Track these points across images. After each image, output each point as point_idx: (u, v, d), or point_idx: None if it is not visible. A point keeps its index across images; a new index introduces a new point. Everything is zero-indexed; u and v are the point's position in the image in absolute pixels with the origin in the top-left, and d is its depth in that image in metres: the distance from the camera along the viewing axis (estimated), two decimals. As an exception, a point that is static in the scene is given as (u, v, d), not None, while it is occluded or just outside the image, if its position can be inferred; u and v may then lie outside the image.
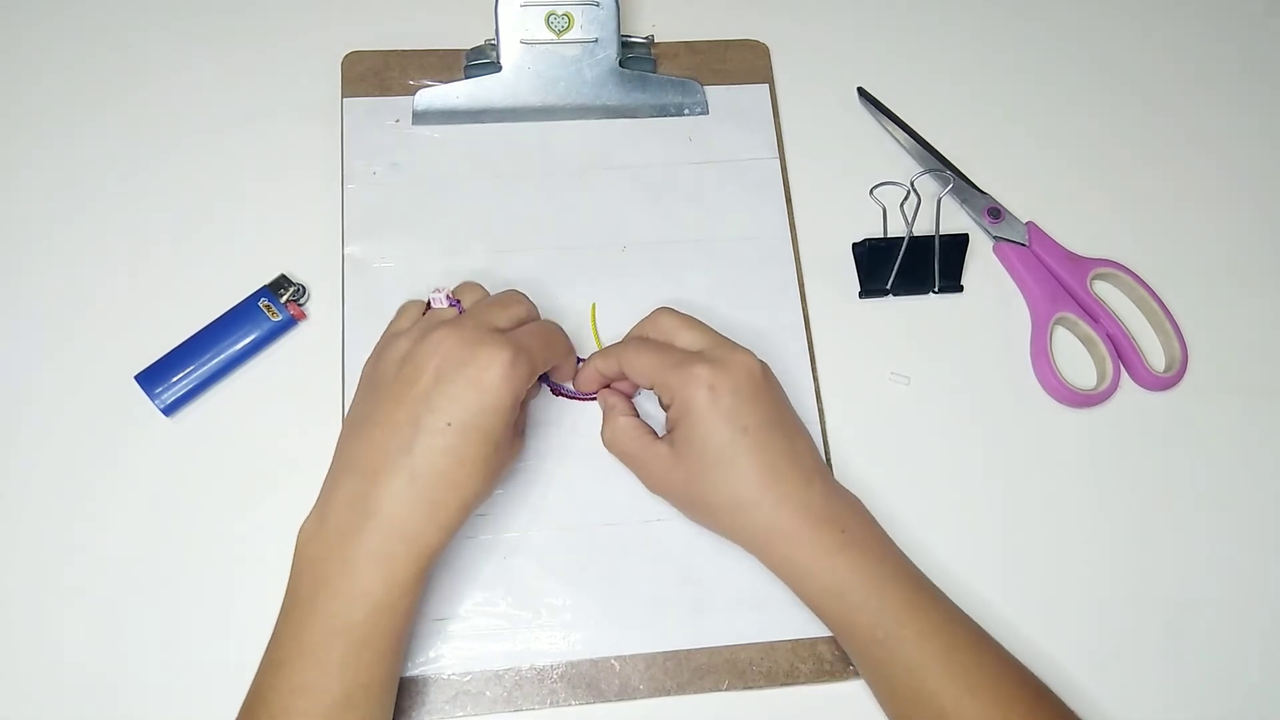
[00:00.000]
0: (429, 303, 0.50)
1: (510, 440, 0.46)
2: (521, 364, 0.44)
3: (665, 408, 0.49)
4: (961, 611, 0.47)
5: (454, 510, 0.44)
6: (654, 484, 0.50)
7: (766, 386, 0.48)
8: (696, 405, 0.46)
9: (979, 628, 0.47)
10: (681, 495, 0.49)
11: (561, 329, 0.51)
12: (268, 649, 0.43)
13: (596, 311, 0.56)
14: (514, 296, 0.50)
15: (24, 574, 0.50)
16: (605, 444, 0.52)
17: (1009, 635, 0.47)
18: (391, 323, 0.51)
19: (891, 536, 0.49)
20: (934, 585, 0.48)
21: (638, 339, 0.51)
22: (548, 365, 0.49)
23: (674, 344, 0.50)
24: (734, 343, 0.49)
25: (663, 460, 0.49)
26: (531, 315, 0.50)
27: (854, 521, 0.48)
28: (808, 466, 0.48)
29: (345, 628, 0.42)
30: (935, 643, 0.45)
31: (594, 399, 0.54)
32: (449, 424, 0.43)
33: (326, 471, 0.46)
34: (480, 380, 0.43)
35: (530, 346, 0.46)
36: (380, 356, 0.48)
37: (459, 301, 0.50)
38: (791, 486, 0.46)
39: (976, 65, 0.66)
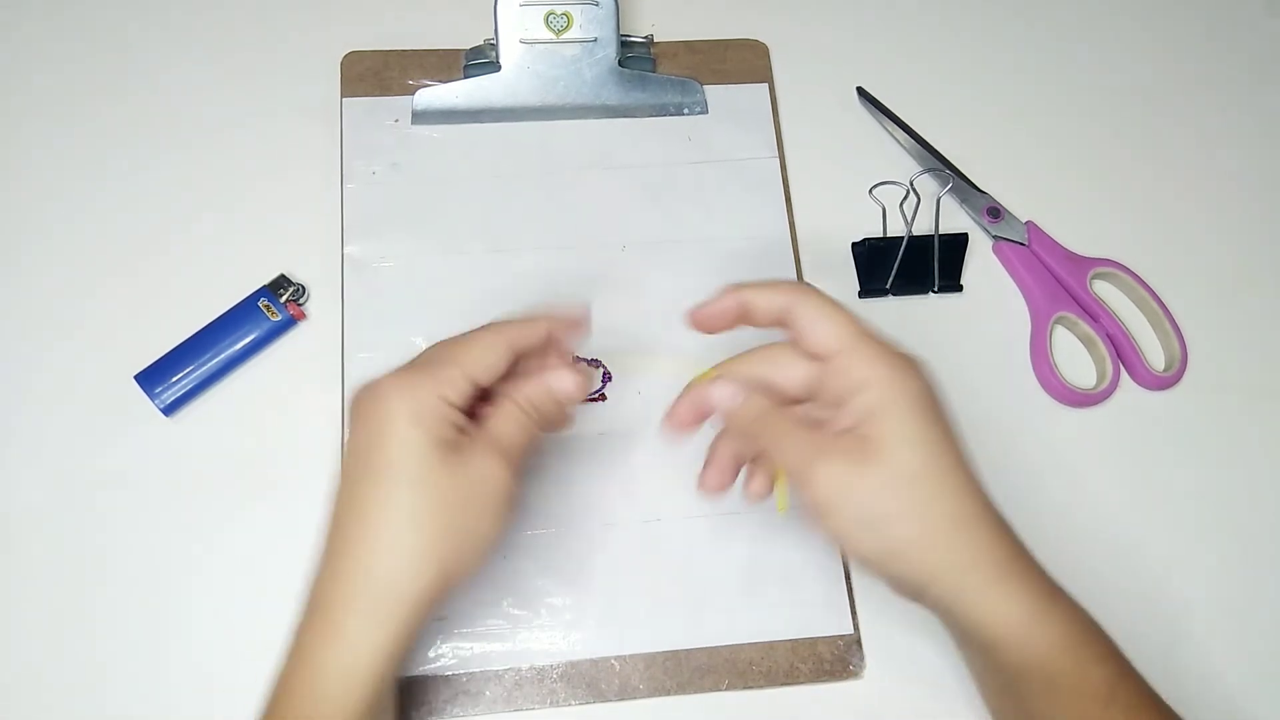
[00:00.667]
0: None
1: (451, 473, 0.38)
2: (410, 384, 0.38)
3: (834, 401, 0.39)
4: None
5: (379, 579, 0.37)
6: (827, 490, 0.38)
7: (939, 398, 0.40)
8: (916, 385, 0.38)
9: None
10: (863, 513, 0.38)
11: (488, 328, 0.42)
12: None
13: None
14: (495, 326, 0.42)
15: (24, 574, 0.50)
16: (749, 432, 0.41)
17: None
18: None
19: None
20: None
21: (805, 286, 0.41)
22: (469, 369, 0.39)
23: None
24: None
25: (844, 460, 0.38)
26: (463, 336, 0.42)
27: (1036, 564, 0.40)
28: (988, 501, 0.40)
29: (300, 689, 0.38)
30: (1152, 699, 0.39)
31: (601, 398, 0.54)
32: (348, 477, 0.38)
33: None
34: (369, 418, 0.38)
35: (432, 360, 0.39)
36: None
37: None
38: (991, 519, 0.39)
39: (976, 65, 0.66)
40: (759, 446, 0.42)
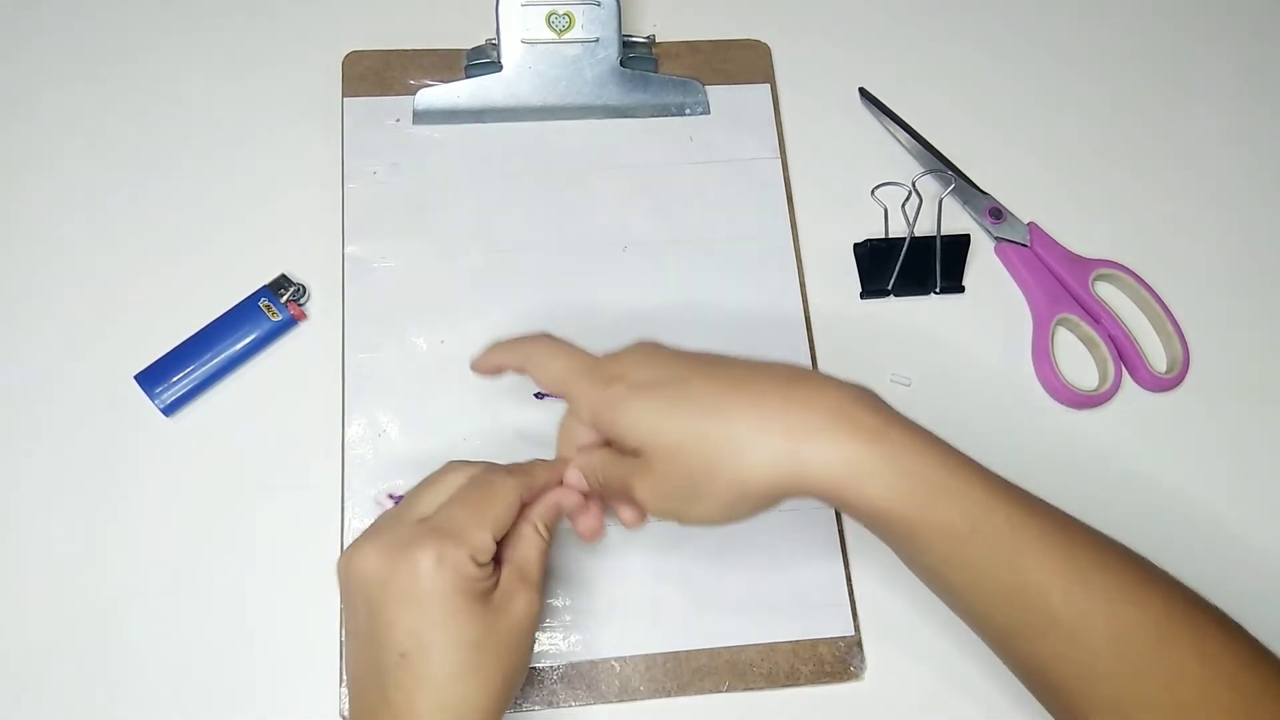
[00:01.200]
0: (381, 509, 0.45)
1: (498, 623, 0.39)
2: (449, 555, 0.38)
3: (616, 437, 0.41)
4: (1034, 494, 0.40)
5: None
6: (651, 500, 0.40)
7: (661, 349, 0.42)
8: (616, 407, 0.40)
9: (1063, 511, 0.40)
10: (684, 492, 0.39)
11: (508, 477, 0.42)
12: None
13: None
14: (446, 468, 0.43)
15: (23, 574, 0.50)
16: (601, 483, 0.43)
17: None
18: None
19: None
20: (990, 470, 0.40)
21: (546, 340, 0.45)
22: (495, 527, 0.40)
23: (576, 410, 0.43)
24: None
25: (643, 475, 0.40)
26: (469, 477, 0.42)
27: (880, 405, 0.39)
28: (788, 369, 0.40)
29: None
30: (1030, 528, 0.37)
31: None
32: (402, 655, 0.37)
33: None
34: (409, 592, 0.37)
35: (459, 524, 0.39)
36: (338, 580, 0.41)
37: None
38: (784, 391, 0.38)
39: (978, 66, 0.66)
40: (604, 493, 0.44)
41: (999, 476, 0.39)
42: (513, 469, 0.43)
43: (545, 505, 0.43)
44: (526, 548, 0.42)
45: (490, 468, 0.43)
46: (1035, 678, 0.40)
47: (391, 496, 0.46)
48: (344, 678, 0.43)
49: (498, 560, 0.41)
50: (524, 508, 0.42)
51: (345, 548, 0.42)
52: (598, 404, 0.41)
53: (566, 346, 0.44)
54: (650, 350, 0.42)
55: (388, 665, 0.38)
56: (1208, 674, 0.37)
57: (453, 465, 0.43)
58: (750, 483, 0.38)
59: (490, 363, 0.47)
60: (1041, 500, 0.40)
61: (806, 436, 0.37)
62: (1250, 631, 0.39)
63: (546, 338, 0.45)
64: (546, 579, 0.43)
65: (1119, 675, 0.37)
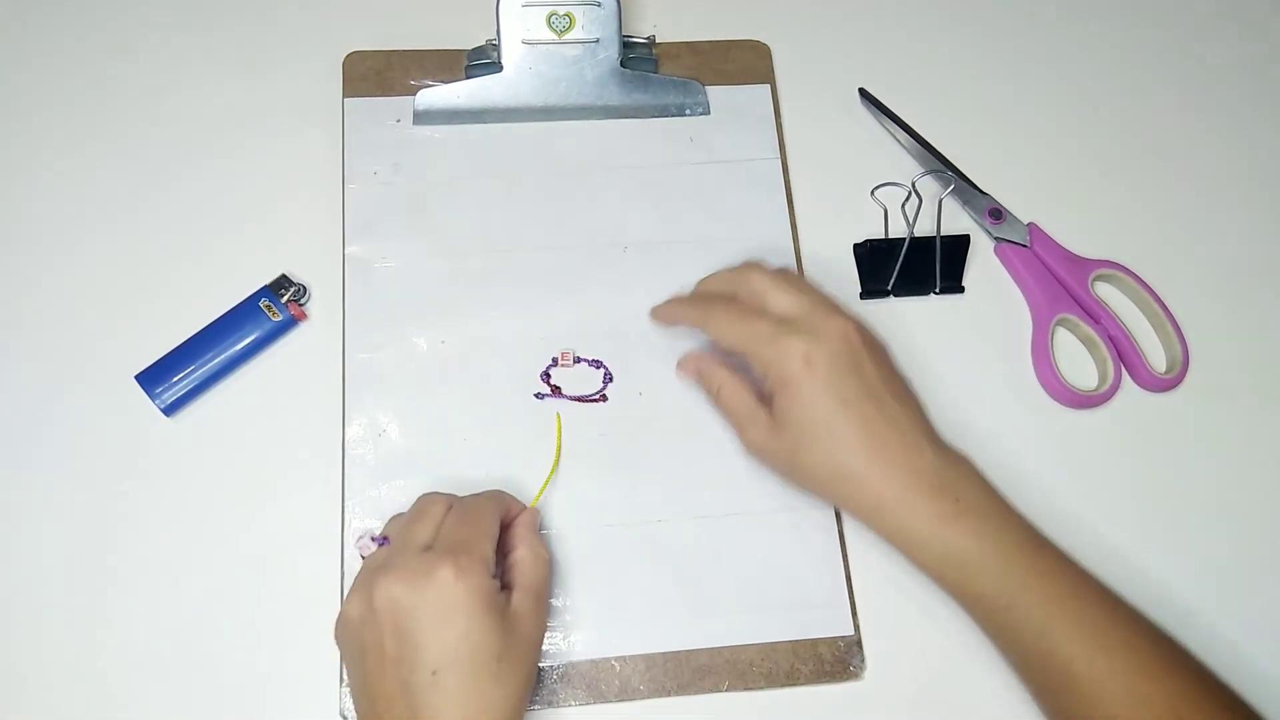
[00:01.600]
0: (360, 554, 0.46)
1: (514, 633, 0.42)
2: (465, 565, 0.41)
3: (761, 378, 0.48)
4: (1090, 574, 0.46)
5: None
6: (754, 449, 0.49)
7: (868, 353, 0.47)
8: (793, 380, 0.46)
9: (1108, 589, 0.46)
10: (783, 465, 0.49)
11: (483, 499, 0.47)
12: None
13: (562, 423, 0.53)
14: (424, 501, 0.46)
15: (23, 574, 0.50)
16: (721, 401, 0.50)
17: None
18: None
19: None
20: (1058, 549, 0.47)
21: (726, 301, 0.50)
22: (492, 540, 0.44)
23: (765, 307, 0.49)
24: (831, 304, 0.48)
25: (764, 428, 0.48)
26: (448, 505, 0.46)
27: (968, 487, 0.47)
28: (916, 433, 0.47)
29: None
30: (1065, 605, 0.44)
31: (601, 399, 0.54)
32: (434, 673, 0.40)
33: None
34: (439, 611, 0.40)
35: (463, 541, 0.43)
36: (343, 629, 0.44)
37: (386, 540, 0.46)
38: (899, 454, 0.46)
39: (978, 66, 0.66)
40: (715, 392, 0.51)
41: (1054, 557, 0.46)
42: (494, 496, 0.48)
43: (527, 525, 0.48)
44: (529, 566, 0.46)
45: (463, 496, 0.48)
46: None
47: (374, 539, 0.46)
48: (356, 706, 0.43)
49: (503, 584, 0.44)
50: (505, 532, 0.47)
51: (344, 602, 0.44)
52: (778, 369, 0.46)
53: (745, 311, 0.49)
54: (856, 350, 0.47)
55: (419, 685, 0.40)
56: None
57: (428, 497, 0.47)
58: (832, 500, 0.49)
59: (671, 316, 0.53)
60: (1089, 582, 0.46)
61: (886, 506, 0.46)
62: (1261, 714, 0.45)
63: (726, 303, 0.50)
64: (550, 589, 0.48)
65: None
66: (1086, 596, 0.45)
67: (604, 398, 0.54)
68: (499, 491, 0.49)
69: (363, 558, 0.46)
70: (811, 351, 0.46)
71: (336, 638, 0.45)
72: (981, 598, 0.45)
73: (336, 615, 0.44)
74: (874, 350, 0.48)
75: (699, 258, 0.58)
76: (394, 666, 0.41)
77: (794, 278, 0.51)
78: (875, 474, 0.46)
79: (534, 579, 0.46)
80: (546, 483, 0.52)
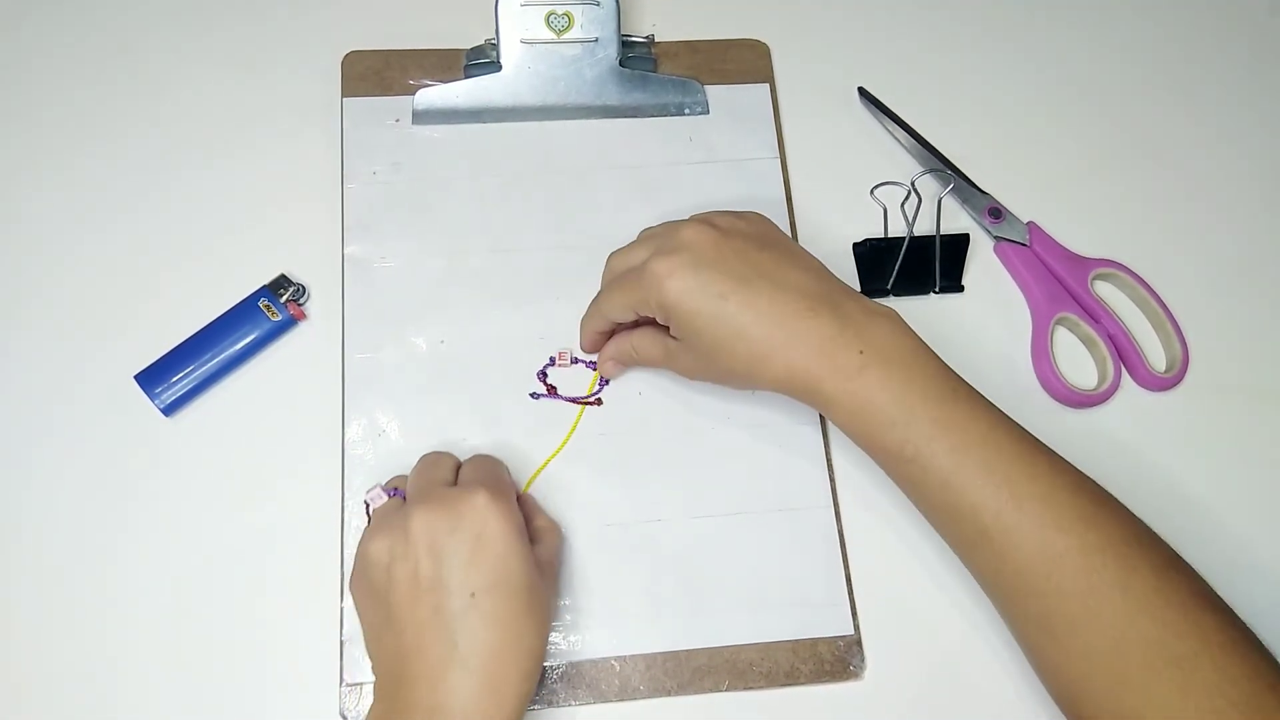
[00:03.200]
0: (367, 507, 0.47)
1: (537, 566, 0.44)
2: (497, 494, 0.43)
3: (664, 323, 0.48)
4: (1011, 423, 0.46)
5: (516, 682, 0.40)
6: (688, 374, 0.50)
7: (729, 242, 0.47)
8: (669, 298, 0.46)
9: (1031, 439, 0.45)
10: (711, 375, 0.49)
11: (490, 457, 0.50)
12: None
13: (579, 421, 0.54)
14: (431, 455, 0.49)
15: (23, 574, 0.50)
16: (637, 358, 0.52)
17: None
18: (359, 545, 0.45)
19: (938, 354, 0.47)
20: (978, 398, 0.46)
21: (606, 284, 0.52)
22: (512, 486, 0.48)
23: (629, 264, 0.49)
24: (679, 221, 0.49)
25: (681, 354, 0.49)
26: (456, 460, 0.49)
27: (877, 339, 0.46)
28: (809, 296, 0.46)
29: None
30: (972, 455, 0.43)
31: (597, 403, 0.54)
32: (473, 594, 0.40)
33: (374, 685, 0.43)
34: (478, 534, 0.41)
35: (484, 473, 0.46)
36: (365, 571, 0.44)
37: (398, 490, 0.47)
38: (795, 322, 0.45)
39: (977, 65, 0.66)
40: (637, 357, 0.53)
41: (968, 406, 0.45)
42: (489, 457, 0.50)
43: (533, 502, 0.51)
44: (547, 536, 0.49)
45: (474, 457, 0.50)
46: (980, 582, 0.46)
47: (385, 490, 0.47)
48: (376, 654, 0.44)
49: None
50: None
51: (363, 545, 0.44)
52: (655, 300, 0.47)
53: (614, 277, 0.51)
54: (716, 243, 0.47)
55: (456, 609, 0.40)
56: (1129, 607, 0.41)
57: (434, 453, 0.49)
58: (763, 387, 0.47)
59: (586, 340, 0.54)
60: (1009, 433, 0.45)
61: (796, 372, 0.46)
62: (1201, 578, 0.43)
63: (604, 286, 0.52)
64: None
65: (1045, 594, 0.42)
66: (997, 447, 0.44)
67: (598, 401, 0.54)
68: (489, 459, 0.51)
69: (369, 514, 0.47)
70: (672, 266, 0.46)
71: (353, 586, 0.45)
72: (886, 449, 0.45)
73: (353, 567, 0.45)
74: (737, 236, 0.48)
75: (698, 257, 0.58)
76: (429, 594, 0.41)
77: (641, 234, 0.52)
78: (779, 343, 0.45)
79: (550, 547, 0.48)
80: (539, 471, 0.53)
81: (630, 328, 0.52)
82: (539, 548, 0.46)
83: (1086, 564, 0.41)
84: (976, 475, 0.43)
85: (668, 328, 0.49)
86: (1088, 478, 0.45)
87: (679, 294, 0.46)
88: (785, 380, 0.46)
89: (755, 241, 0.48)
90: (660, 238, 0.48)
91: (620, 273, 0.50)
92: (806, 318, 0.45)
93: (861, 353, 0.45)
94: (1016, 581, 0.43)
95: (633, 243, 0.51)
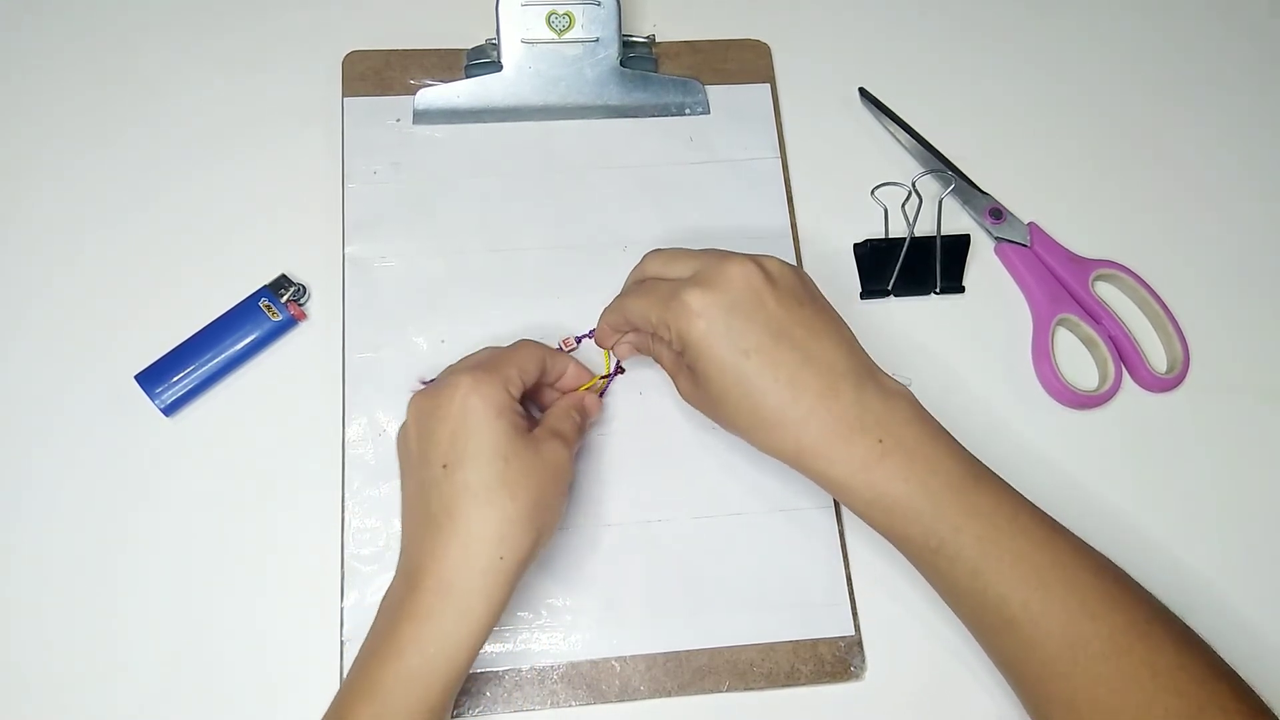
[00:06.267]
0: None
1: (529, 450, 0.44)
2: (481, 377, 0.44)
3: (677, 350, 0.47)
4: (1031, 507, 0.45)
5: (489, 544, 0.41)
6: (685, 397, 0.49)
7: (771, 293, 0.45)
8: (692, 336, 0.44)
9: (1052, 522, 0.44)
10: (707, 413, 0.48)
11: (527, 343, 0.50)
12: (337, 695, 0.43)
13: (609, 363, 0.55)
14: (481, 350, 0.50)
15: (23, 574, 0.50)
16: (632, 350, 0.52)
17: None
18: None
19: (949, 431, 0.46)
20: (997, 482, 0.45)
21: (635, 283, 0.50)
22: (521, 370, 0.47)
23: (666, 276, 0.48)
24: (730, 254, 0.46)
25: (688, 381, 0.48)
26: (505, 348, 0.49)
27: (896, 425, 0.44)
28: (834, 372, 0.44)
29: (409, 678, 0.41)
30: (999, 545, 0.43)
31: (620, 371, 0.55)
32: (444, 466, 0.42)
33: None
34: (450, 412, 0.43)
35: (489, 362, 0.46)
36: (396, 447, 0.48)
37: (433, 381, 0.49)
38: (814, 397, 0.43)
39: (978, 65, 0.66)
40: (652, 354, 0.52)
41: (991, 494, 0.44)
42: (538, 343, 0.50)
43: (576, 398, 0.50)
44: (561, 418, 0.48)
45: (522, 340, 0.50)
46: (1003, 667, 0.45)
47: (423, 381, 0.51)
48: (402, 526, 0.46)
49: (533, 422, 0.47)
50: (544, 384, 0.50)
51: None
52: (677, 329, 0.45)
53: (647, 285, 0.49)
54: (757, 293, 0.45)
55: (432, 480, 0.43)
56: (1159, 685, 0.40)
57: (487, 348, 0.50)
58: (758, 448, 0.46)
59: (602, 333, 0.53)
60: (1032, 519, 0.44)
61: (806, 452, 0.44)
62: (1214, 650, 0.43)
63: (635, 286, 0.51)
64: (578, 451, 0.50)
65: (1072, 677, 0.41)
66: (1023, 534, 0.43)
67: (623, 369, 0.54)
68: (554, 350, 0.51)
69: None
70: (706, 305, 0.44)
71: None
72: (910, 540, 0.44)
73: None
74: (782, 287, 0.45)
75: (699, 257, 0.58)
76: (415, 468, 0.44)
77: (690, 249, 0.49)
78: (792, 419, 0.43)
79: (560, 424, 0.47)
80: (591, 383, 0.53)
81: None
82: (540, 428, 0.46)
83: (1114, 647, 0.41)
84: (1004, 564, 0.42)
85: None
86: (1104, 556, 0.44)
87: (702, 335, 0.44)
88: (793, 456, 0.45)
89: (796, 298, 0.46)
90: (706, 263, 0.46)
91: (654, 280, 0.49)
92: (827, 397, 0.44)
93: (881, 441, 0.43)
94: (1044, 668, 0.42)
95: (679, 251, 0.49)
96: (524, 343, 0.49)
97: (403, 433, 0.46)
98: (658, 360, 0.51)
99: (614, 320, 0.51)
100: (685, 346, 0.45)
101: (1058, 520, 0.45)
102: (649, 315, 0.47)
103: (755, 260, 0.45)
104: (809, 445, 0.44)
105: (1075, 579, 0.43)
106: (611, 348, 0.53)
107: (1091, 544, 0.54)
